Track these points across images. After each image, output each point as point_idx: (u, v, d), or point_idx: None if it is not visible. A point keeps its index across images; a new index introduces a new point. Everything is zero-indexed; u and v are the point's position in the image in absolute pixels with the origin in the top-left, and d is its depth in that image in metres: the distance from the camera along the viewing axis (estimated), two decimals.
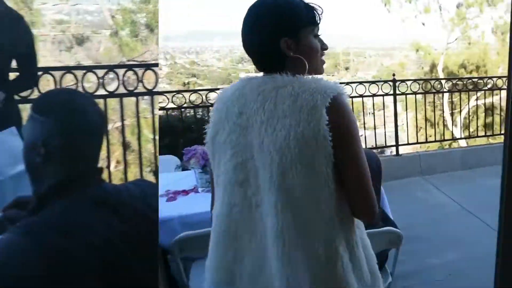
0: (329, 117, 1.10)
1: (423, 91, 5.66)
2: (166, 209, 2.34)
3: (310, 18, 1.21)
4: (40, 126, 1.14)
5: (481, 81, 6.35)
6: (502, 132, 8.32)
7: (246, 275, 1.22)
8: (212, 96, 4.56)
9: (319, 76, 1.25)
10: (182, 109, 4.83)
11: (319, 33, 1.26)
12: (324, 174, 1.13)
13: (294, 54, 1.18)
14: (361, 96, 5.14)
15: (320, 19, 1.23)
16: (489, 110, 7.90)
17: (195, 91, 4.82)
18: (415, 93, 5.56)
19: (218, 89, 4.70)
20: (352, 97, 4.96)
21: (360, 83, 5.25)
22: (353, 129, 1.16)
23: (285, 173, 1.12)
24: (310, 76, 1.20)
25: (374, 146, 5.69)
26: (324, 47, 1.27)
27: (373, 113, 5.77)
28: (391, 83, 5.32)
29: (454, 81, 6.18)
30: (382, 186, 2.52)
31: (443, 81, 6.39)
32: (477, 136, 7.17)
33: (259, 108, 1.16)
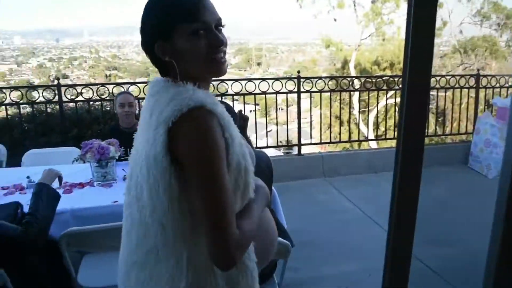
0: (173, 138, 1.00)
1: (329, 89, 5.53)
2: (61, 202, 2.31)
3: (184, 14, 1.05)
4: None
5: (393, 79, 6.10)
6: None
7: (120, 265, 1.23)
8: (118, 90, 4.57)
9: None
10: (91, 102, 4.81)
11: (212, 27, 1.08)
12: (166, 201, 1.04)
13: (169, 59, 1.08)
14: (264, 93, 5.06)
15: (197, 11, 1.05)
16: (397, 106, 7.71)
17: (102, 84, 4.79)
18: (320, 91, 5.43)
19: (123, 83, 4.68)
20: (255, 94, 5.03)
21: (263, 79, 5.16)
22: (200, 153, 1.00)
23: (141, 190, 1.09)
24: (188, 85, 1.07)
25: (276, 144, 5.71)
26: (216, 43, 1.08)
27: (276, 111, 5.73)
28: (295, 81, 5.21)
29: (363, 80, 6.05)
30: (275, 187, 2.54)
31: (354, 79, 6.24)
32: (385, 139, 6.88)
33: (142, 115, 1.15)
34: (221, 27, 1.12)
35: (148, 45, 1.10)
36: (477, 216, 4.06)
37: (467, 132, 6.35)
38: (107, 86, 4.75)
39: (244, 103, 5.02)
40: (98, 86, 4.72)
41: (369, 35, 16.40)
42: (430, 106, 6.52)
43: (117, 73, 56.96)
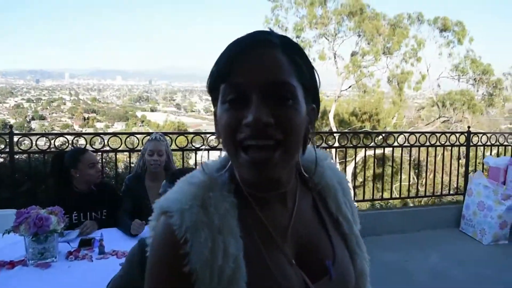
0: None
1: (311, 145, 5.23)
2: None
3: (217, 72, 0.76)
4: None
5: (370, 135, 5.96)
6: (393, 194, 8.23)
7: None
8: (80, 141, 4.10)
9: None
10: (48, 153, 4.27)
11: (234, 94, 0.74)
12: None
13: (218, 134, 0.81)
14: None
15: (226, 67, 0.74)
16: (380, 160, 7.47)
17: (61, 134, 4.27)
18: None
19: (85, 134, 4.20)
20: None
21: None
22: (146, 278, 0.77)
23: None
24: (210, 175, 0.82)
25: None
26: (246, 121, 0.71)
27: None
28: None
29: (345, 133, 5.84)
30: None
31: (338, 135, 5.87)
32: (373, 200, 6.53)
33: None
34: (286, 97, 0.73)
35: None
36: None
37: (457, 193, 5.95)
38: (66, 136, 4.23)
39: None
40: (57, 136, 4.19)
41: (350, 87, 16.60)
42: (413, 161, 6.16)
43: (96, 116, 56.90)
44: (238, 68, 0.73)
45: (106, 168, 5.01)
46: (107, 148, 4.28)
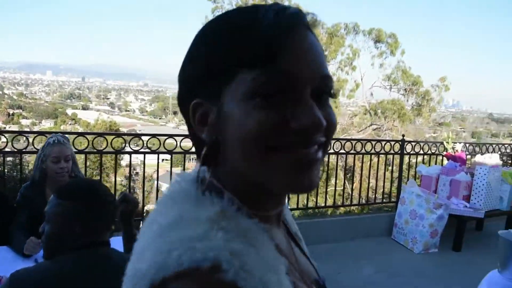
0: None
1: None
2: None
3: (246, 51, 0.52)
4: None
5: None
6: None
7: None
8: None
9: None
10: None
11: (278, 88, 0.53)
12: None
13: (209, 135, 0.57)
14: (186, 152, 4.45)
15: (272, 47, 0.52)
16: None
17: None
18: None
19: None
20: (172, 152, 4.29)
21: (185, 136, 4.44)
22: None
23: None
24: (217, 201, 0.57)
25: None
26: (296, 124, 0.53)
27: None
28: None
29: None
30: None
31: None
32: (307, 208, 5.92)
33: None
34: (328, 96, 0.58)
35: (184, 101, 0.60)
36: None
37: (391, 201, 5.90)
38: None
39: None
40: None
41: None
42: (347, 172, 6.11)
43: (22, 112, 53.92)
44: (284, 51, 0.52)
45: (14, 172, 4.45)
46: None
